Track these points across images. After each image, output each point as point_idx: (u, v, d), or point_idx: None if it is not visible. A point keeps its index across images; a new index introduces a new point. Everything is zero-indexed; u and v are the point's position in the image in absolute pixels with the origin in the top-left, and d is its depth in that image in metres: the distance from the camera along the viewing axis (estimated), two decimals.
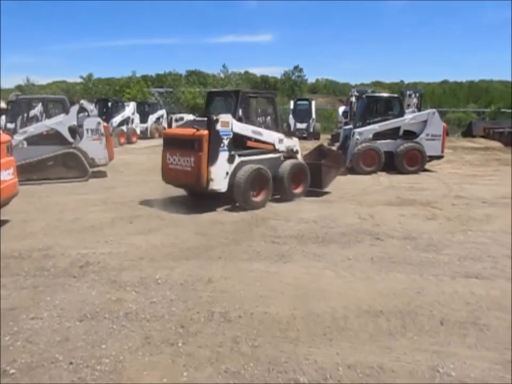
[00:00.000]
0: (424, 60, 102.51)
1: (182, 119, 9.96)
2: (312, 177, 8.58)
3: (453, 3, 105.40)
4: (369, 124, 12.36)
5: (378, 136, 12.14)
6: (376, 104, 13.18)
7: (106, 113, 20.62)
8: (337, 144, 15.01)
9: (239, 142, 7.73)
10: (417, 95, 19.19)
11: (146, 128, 24.68)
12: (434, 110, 12.90)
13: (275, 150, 8.33)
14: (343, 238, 6.00)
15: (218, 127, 7.31)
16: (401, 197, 8.87)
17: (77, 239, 5.93)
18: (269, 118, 9.03)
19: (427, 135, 12.16)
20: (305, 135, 22.85)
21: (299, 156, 8.77)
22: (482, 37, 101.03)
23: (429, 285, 4.45)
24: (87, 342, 3.35)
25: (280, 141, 8.41)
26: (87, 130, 10.89)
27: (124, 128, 21.80)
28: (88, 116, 11.25)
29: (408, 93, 19.33)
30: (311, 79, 57.79)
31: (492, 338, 3.45)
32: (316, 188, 8.74)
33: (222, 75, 40.88)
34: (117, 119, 21.31)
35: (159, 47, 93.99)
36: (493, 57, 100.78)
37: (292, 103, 25.26)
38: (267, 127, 8.55)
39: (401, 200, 8.59)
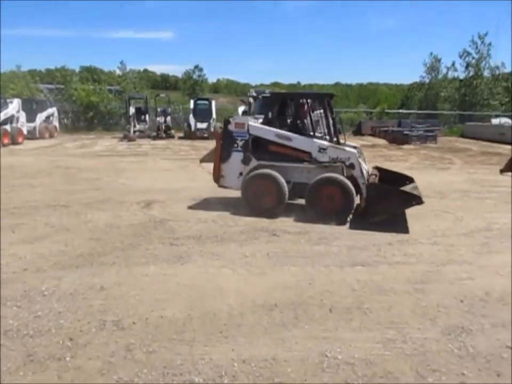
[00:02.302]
0: (319, 63, 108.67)
1: None
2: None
3: (345, 9, 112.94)
4: None
5: None
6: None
7: None
8: None
9: (263, 145, 7.53)
10: None
11: (35, 128, 22.84)
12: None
13: (312, 159, 7.31)
14: (241, 236, 6.11)
15: (231, 128, 7.53)
16: None
17: None
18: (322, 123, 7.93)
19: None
20: (206, 135, 22.84)
21: (356, 172, 7.13)
22: (370, 43, 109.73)
23: (319, 276, 4.71)
24: None
25: (322, 150, 7.26)
26: None
27: (8, 127, 19.94)
28: None
29: None
30: (212, 79, 58.17)
31: (373, 320, 3.75)
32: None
33: (119, 72, 39.25)
34: None
35: (49, 40, 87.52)
36: (380, 62, 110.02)
37: (191, 102, 25.08)
38: (307, 133, 7.60)
39: None
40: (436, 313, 3.89)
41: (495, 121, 27.52)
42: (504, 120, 27.25)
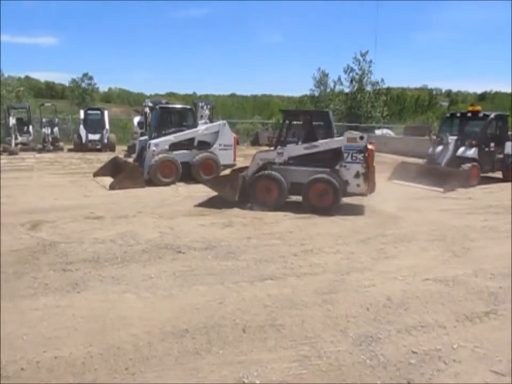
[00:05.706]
0: (215, 74, 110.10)
1: None
2: None
3: (237, 22, 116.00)
4: (164, 134, 12.32)
5: (174, 146, 12.19)
6: (170, 115, 13.24)
7: None
8: (134, 155, 14.54)
9: None
10: (209, 106, 20.18)
11: None
12: (224, 121, 13.65)
13: None
14: (144, 256, 5.72)
15: None
16: (200, 206, 9.04)
17: None
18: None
19: (220, 145, 12.78)
20: (99, 146, 21.55)
21: None
22: (262, 56, 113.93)
23: (230, 293, 4.56)
24: None
25: None
26: None
27: None
28: None
29: (200, 104, 20.15)
30: (103, 88, 55.72)
31: (287, 337, 3.69)
32: None
33: None
34: None
35: None
36: (272, 75, 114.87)
37: (82, 112, 23.50)
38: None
39: (200, 209, 8.75)
40: (345, 323, 3.95)
41: (378, 132, 29.92)
42: (386, 131, 29.77)
